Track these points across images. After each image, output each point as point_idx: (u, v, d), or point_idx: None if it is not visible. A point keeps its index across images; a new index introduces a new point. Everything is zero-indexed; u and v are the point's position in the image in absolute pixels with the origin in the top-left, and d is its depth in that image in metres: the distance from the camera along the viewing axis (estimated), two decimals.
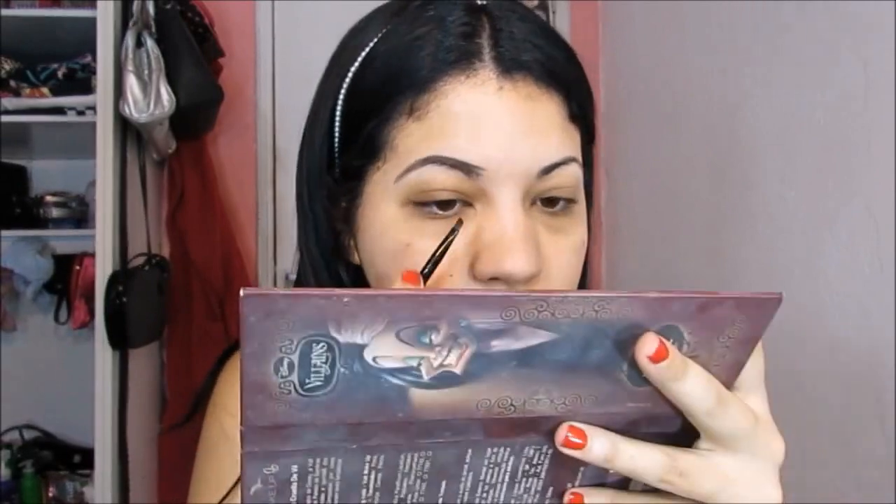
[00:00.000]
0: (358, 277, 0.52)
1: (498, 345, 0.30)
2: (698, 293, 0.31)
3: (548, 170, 0.45)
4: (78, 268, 2.06)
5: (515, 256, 0.42)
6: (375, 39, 0.47)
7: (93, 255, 1.75)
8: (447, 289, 0.31)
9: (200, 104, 1.84)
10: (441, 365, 0.30)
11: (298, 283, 0.58)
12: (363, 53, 0.48)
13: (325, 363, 0.29)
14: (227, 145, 2.18)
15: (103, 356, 1.67)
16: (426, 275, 0.41)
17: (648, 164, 1.88)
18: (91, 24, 1.70)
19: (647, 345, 0.31)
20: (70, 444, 2.17)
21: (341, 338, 0.28)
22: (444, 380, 0.30)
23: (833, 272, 1.20)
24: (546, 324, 0.30)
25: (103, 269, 1.67)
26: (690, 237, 1.70)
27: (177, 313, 1.99)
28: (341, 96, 0.49)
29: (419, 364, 0.30)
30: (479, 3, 0.47)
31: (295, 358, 0.28)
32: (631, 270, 1.87)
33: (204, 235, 2.01)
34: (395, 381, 0.30)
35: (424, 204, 0.44)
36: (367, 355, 0.29)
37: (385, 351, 0.29)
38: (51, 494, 2.06)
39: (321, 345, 0.28)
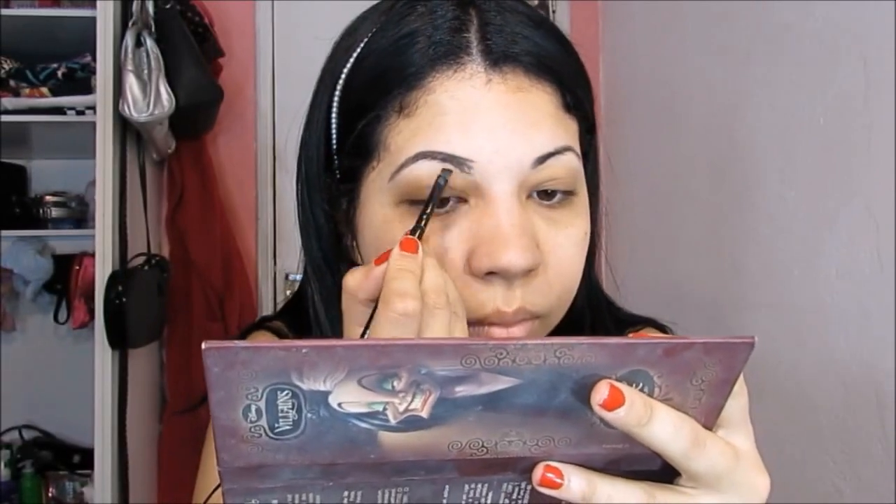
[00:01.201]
0: None
1: (462, 390, 0.30)
2: (664, 338, 0.31)
3: (541, 160, 0.44)
4: (77, 268, 2.06)
5: (511, 250, 0.42)
6: (366, 39, 0.47)
7: (92, 255, 1.75)
8: (403, 338, 0.31)
9: (200, 104, 1.84)
10: (407, 409, 0.30)
11: (302, 287, 0.58)
12: (355, 54, 0.48)
13: (292, 409, 0.29)
14: (227, 145, 2.18)
15: (103, 356, 1.67)
16: (419, 234, 0.41)
17: (648, 164, 1.87)
18: (91, 23, 1.69)
19: (600, 392, 0.30)
20: (70, 444, 2.16)
21: (304, 385, 0.28)
22: (412, 423, 0.30)
23: (833, 272, 1.19)
24: (508, 370, 0.29)
25: (103, 269, 1.67)
26: (690, 237, 1.70)
27: (176, 313, 1.99)
28: (336, 98, 0.49)
29: (385, 409, 0.30)
30: None
31: (262, 405, 0.28)
32: (631, 271, 1.87)
33: (204, 235, 2.01)
34: (362, 424, 0.30)
35: (418, 202, 0.44)
36: (332, 401, 0.29)
37: (349, 398, 0.29)
38: (50, 494, 2.06)
39: (286, 392, 0.28)
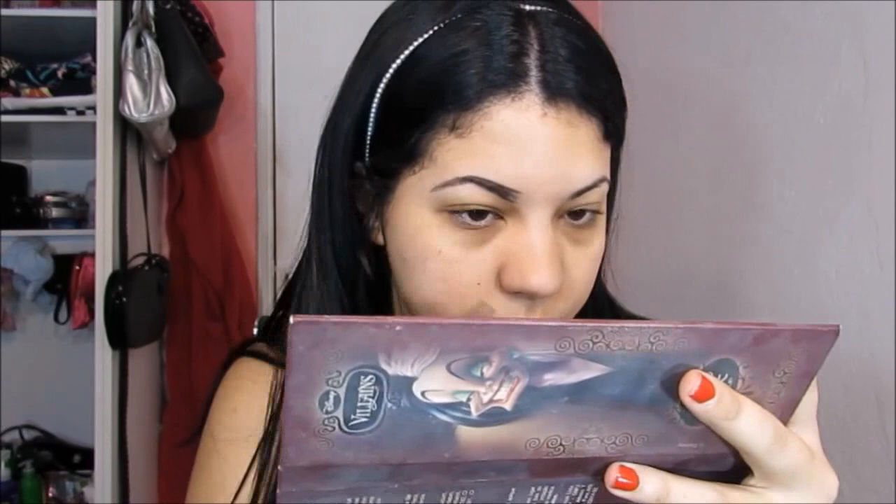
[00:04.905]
0: (378, 259, 0.53)
1: (550, 378, 0.29)
2: (754, 324, 0.30)
3: (579, 193, 0.46)
4: (78, 268, 2.06)
5: (541, 273, 0.44)
6: (420, 40, 0.46)
7: (92, 255, 1.75)
8: (501, 318, 0.30)
9: (200, 104, 1.84)
10: (491, 400, 0.29)
11: (297, 273, 0.58)
12: (406, 52, 0.47)
13: (373, 398, 0.28)
14: (227, 145, 2.18)
15: (103, 356, 1.67)
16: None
17: (648, 164, 1.87)
18: (91, 24, 1.69)
19: (691, 383, 0.30)
20: (70, 444, 2.17)
21: (390, 370, 0.28)
22: (493, 416, 0.30)
23: (833, 272, 1.19)
24: (600, 356, 0.29)
25: (103, 269, 1.67)
26: (690, 237, 1.70)
27: (177, 313, 1.99)
28: (379, 91, 0.48)
29: (468, 399, 0.29)
30: (527, 8, 0.46)
31: (342, 392, 0.27)
32: (630, 270, 1.87)
33: (204, 235, 2.01)
34: (442, 417, 0.29)
35: (458, 213, 0.45)
36: (416, 389, 0.28)
37: (434, 385, 0.28)
38: (51, 494, 2.07)
39: (369, 377, 0.27)
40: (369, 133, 0.50)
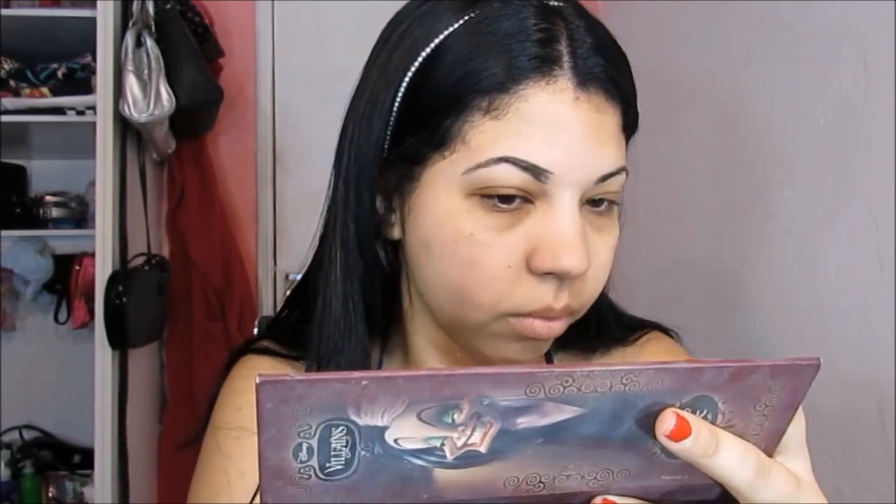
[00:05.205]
0: (395, 253, 0.54)
1: (523, 422, 0.29)
2: (730, 362, 0.30)
3: (604, 178, 0.47)
4: (78, 268, 2.06)
5: (573, 255, 0.45)
6: (451, 29, 0.48)
7: (92, 255, 1.75)
8: (468, 368, 0.31)
9: (200, 104, 1.84)
10: (465, 444, 0.29)
11: (310, 271, 0.58)
12: (436, 41, 0.48)
13: (346, 447, 0.28)
14: (227, 145, 2.18)
15: (103, 356, 1.67)
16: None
17: (647, 164, 1.87)
18: (91, 24, 1.69)
19: (666, 422, 0.30)
20: (70, 444, 2.17)
21: (361, 421, 0.27)
22: (469, 459, 0.29)
23: (833, 272, 1.19)
24: (572, 399, 0.29)
25: (103, 269, 1.67)
26: (690, 237, 1.70)
27: (177, 313, 1.99)
28: (407, 79, 0.49)
29: (442, 444, 0.29)
30: (552, 4, 0.48)
31: (314, 443, 0.27)
32: (628, 272, 1.87)
33: (204, 235, 2.01)
34: (417, 462, 0.29)
35: (488, 196, 0.46)
36: (389, 437, 0.28)
37: (406, 432, 0.28)
38: (50, 494, 2.07)
39: (340, 428, 0.27)
40: (392, 122, 0.50)
